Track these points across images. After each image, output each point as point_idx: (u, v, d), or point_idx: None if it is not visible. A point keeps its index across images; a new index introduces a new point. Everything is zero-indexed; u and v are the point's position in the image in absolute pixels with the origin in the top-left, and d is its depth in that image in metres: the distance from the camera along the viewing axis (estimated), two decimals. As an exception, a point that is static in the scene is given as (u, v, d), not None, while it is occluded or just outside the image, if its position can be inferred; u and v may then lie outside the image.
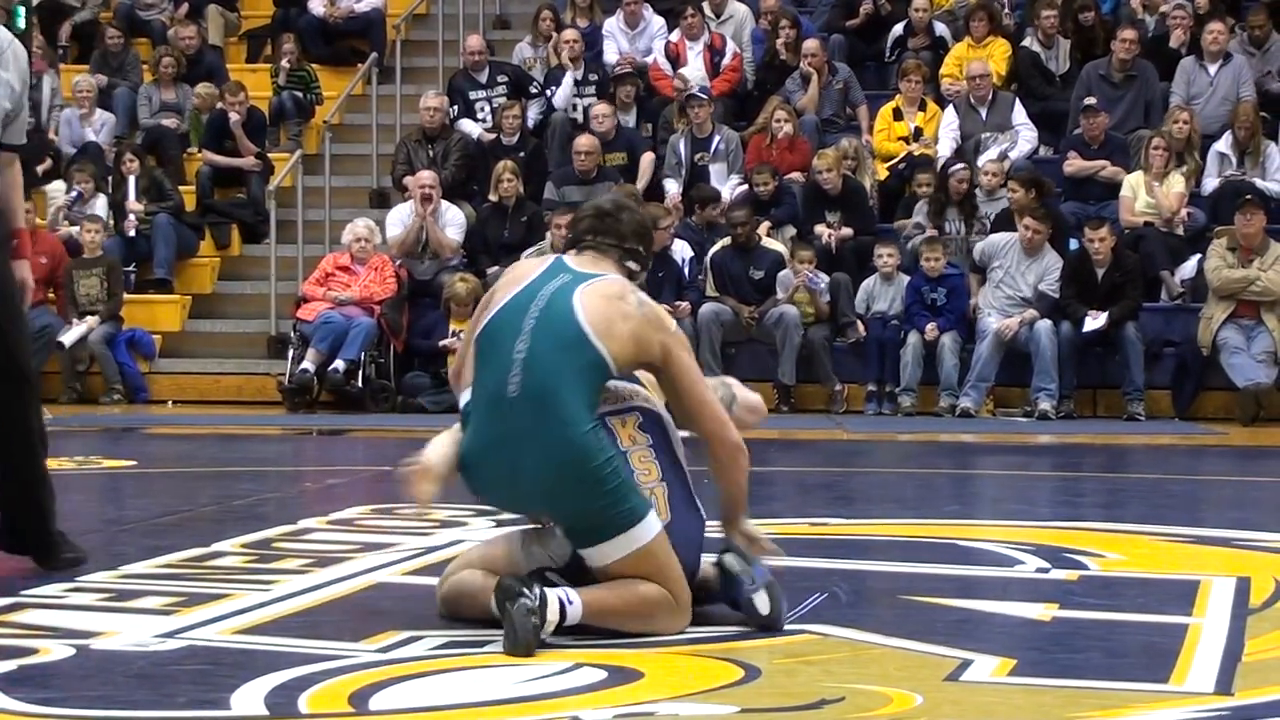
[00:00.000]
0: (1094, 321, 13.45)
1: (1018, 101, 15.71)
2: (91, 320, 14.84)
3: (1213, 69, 15.65)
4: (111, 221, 15.75)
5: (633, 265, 5.25)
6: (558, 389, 4.91)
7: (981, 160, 15.06)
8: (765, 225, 14.67)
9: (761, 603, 4.98)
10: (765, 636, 4.93)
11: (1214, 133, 15.22)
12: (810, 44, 16.28)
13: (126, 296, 15.31)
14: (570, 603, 4.80)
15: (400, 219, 15.10)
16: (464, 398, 5.16)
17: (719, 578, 5.10)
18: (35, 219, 15.30)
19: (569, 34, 16.66)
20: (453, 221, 15.12)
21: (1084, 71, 15.86)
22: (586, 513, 4.89)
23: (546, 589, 4.78)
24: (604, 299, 5.01)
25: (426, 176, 15.03)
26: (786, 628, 5.03)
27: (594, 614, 4.85)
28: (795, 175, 15.34)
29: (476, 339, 5.13)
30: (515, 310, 5.05)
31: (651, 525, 4.92)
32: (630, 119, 16.26)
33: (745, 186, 15.22)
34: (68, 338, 14.68)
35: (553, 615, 4.74)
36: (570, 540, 4.98)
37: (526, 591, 4.70)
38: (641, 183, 15.46)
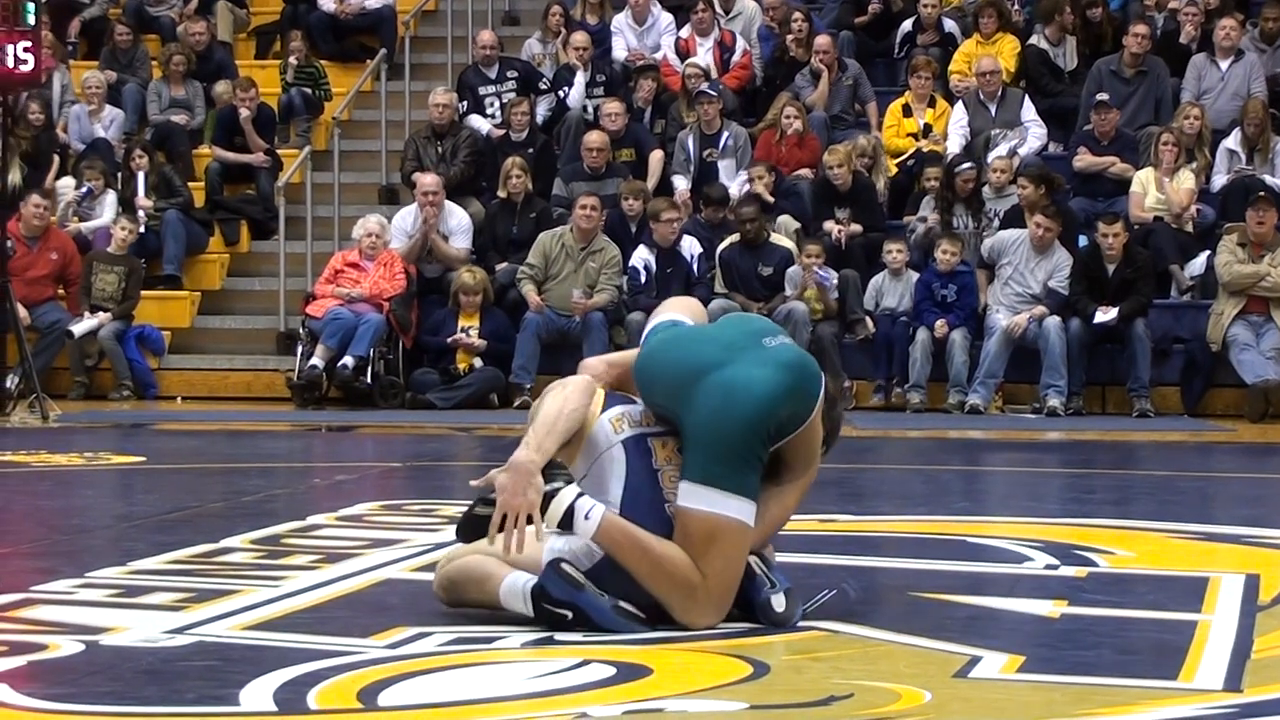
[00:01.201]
0: (1104, 315, 13.45)
1: (1027, 98, 15.70)
2: (103, 316, 14.85)
3: (1224, 65, 15.63)
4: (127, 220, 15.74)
5: None
6: (783, 378, 4.98)
7: (990, 157, 15.05)
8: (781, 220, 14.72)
9: (778, 602, 4.99)
10: (774, 633, 4.92)
11: (1224, 129, 15.21)
12: (821, 40, 16.28)
13: (133, 293, 15.34)
14: (587, 517, 4.86)
15: (404, 228, 15.05)
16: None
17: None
18: (50, 217, 15.31)
19: (578, 38, 16.62)
20: (458, 229, 15.09)
21: (1095, 67, 15.85)
22: (720, 443, 4.89)
23: (571, 492, 4.88)
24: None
25: (430, 182, 14.97)
26: (795, 624, 5.03)
27: (609, 537, 4.88)
28: (804, 171, 15.33)
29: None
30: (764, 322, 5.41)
31: (742, 511, 4.91)
32: (647, 113, 16.24)
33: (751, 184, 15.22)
34: (78, 328, 14.70)
35: (557, 510, 4.84)
36: (685, 457, 4.95)
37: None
38: (651, 181, 15.47)
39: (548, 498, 4.87)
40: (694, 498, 4.92)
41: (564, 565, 4.90)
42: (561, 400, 4.99)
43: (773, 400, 4.96)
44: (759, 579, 5.03)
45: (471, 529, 5.04)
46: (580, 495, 4.91)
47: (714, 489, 4.90)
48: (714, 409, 4.93)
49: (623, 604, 4.91)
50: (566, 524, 4.88)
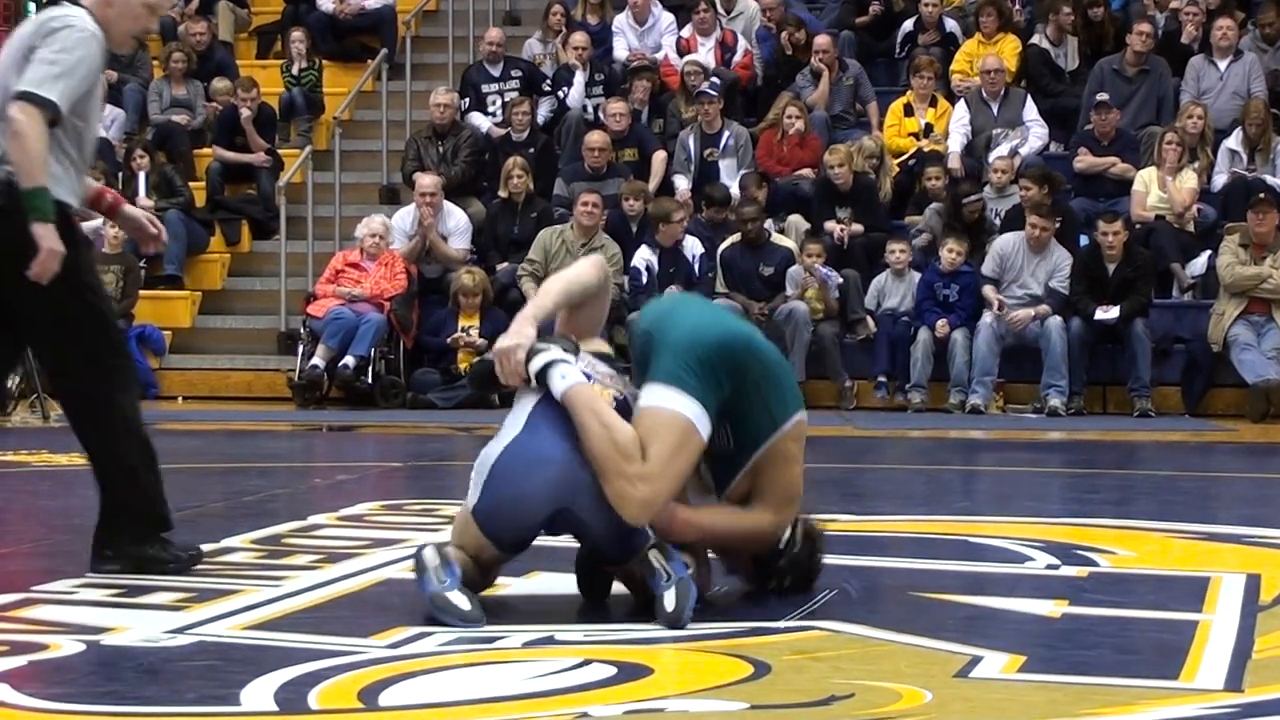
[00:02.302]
0: (1105, 313, 13.44)
1: (1029, 98, 15.70)
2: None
3: (1222, 65, 15.63)
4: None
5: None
6: (766, 346, 5.37)
7: (992, 157, 15.05)
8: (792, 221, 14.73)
9: (669, 600, 4.95)
10: (775, 633, 4.92)
11: (1223, 129, 15.21)
12: (821, 40, 16.29)
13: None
14: (563, 377, 5.07)
15: (403, 228, 15.05)
16: None
17: (640, 570, 5.09)
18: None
19: (578, 38, 16.62)
20: (456, 230, 15.09)
21: (1097, 67, 15.85)
22: (691, 350, 5.10)
23: (555, 354, 5.12)
24: None
25: (428, 183, 14.96)
26: (796, 624, 5.04)
27: (575, 396, 5.06)
28: (805, 171, 15.33)
29: None
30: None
31: (692, 411, 5.05)
32: (644, 113, 16.24)
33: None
34: None
35: (537, 363, 5.10)
36: (654, 364, 5.16)
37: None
38: (654, 181, 15.45)
39: (532, 353, 5.11)
40: (651, 395, 5.11)
41: (424, 550, 5.07)
42: (571, 271, 5.43)
43: (749, 339, 5.26)
44: (657, 571, 5.00)
45: (480, 376, 5.36)
46: (563, 361, 5.10)
47: (672, 387, 5.08)
48: (695, 322, 5.20)
49: (456, 592, 4.97)
50: (541, 380, 5.08)
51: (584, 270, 5.43)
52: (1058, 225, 13.88)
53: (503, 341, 5.19)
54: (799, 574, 5.43)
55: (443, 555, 5.04)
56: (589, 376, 5.15)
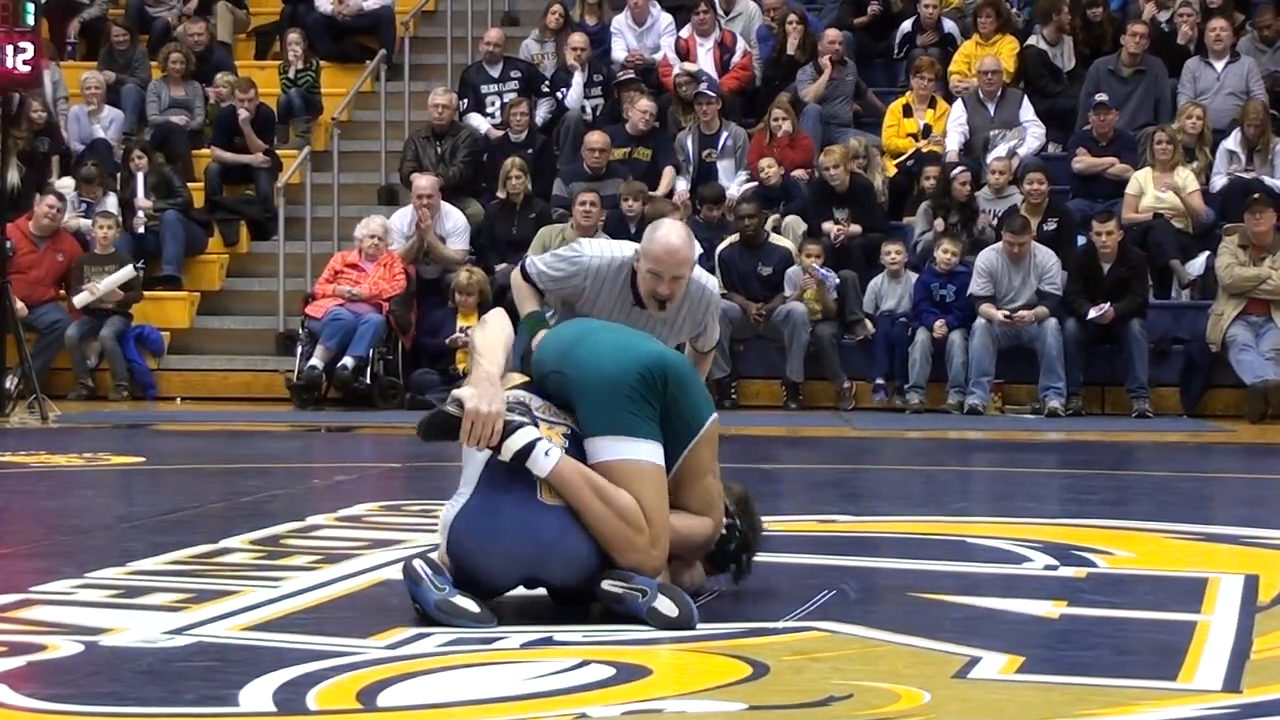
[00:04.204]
0: (1097, 311, 13.42)
1: (1025, 98, 15.70)
2: (104, 285, 14.74)
3: (1218, 66, 15.63)
4: (120, 218, 15.73)
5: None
6: (671, 355, 5.29)
7: (989, 158, 15.04)
8: (773, 219, 14.66)
9: (667, 607, 4.94)
10: (774, 634, 4.93)
11: (1220, 129, 15.20)
12: (831, 32, 16.33)
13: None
14: (546, 454, 4.96)
15: (401, 229, 15.05)
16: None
17: (610, 605, 5.05)
18: (60, 218, 15.27)
19: (577, 39, 16.60)
20: (454, 231, 15.08)
21: (1093, 67, 15.84)
22: (615, 392, 5.07)
23: (534, 431, 4.98)
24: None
25: (425, 184, 14.95)
26: (794, 625, 5.04)
27: (564, 475, 4.98)
28: (799, 172, 15.33)
29: None
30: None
31: (654, 454, 5.07)
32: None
33: (754, 183, 15.21)
34: (78, 299, 14.68)
35: (518, 440, 4.92)
36: (581, 414, 5.13)
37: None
38: (661, 188, 15.37)
39: (510, 428, 4.96)
40: (606, 450, 5.08)
41: (413, 562, 5.05)
42: (494, 328, 5.28)
43: (662, 357, 5.17)
44: (625, 596, 4.97)
45: (439, 428, 5.06)
46: (541, 438, 5.00)
47: (623, 437, 5.07)
48: (608, 359, 5.13)
49: (460, 596, 4.96)
50: (522, 458, 4.96)
51: (503, 324, 5.32)
52: (1033, 236, 13.84)
53: (478, 404, 4.96)
54: (751, 544, 5.47)
55: (432, 564, 5.04)
56: (536, 421, 5.10)
